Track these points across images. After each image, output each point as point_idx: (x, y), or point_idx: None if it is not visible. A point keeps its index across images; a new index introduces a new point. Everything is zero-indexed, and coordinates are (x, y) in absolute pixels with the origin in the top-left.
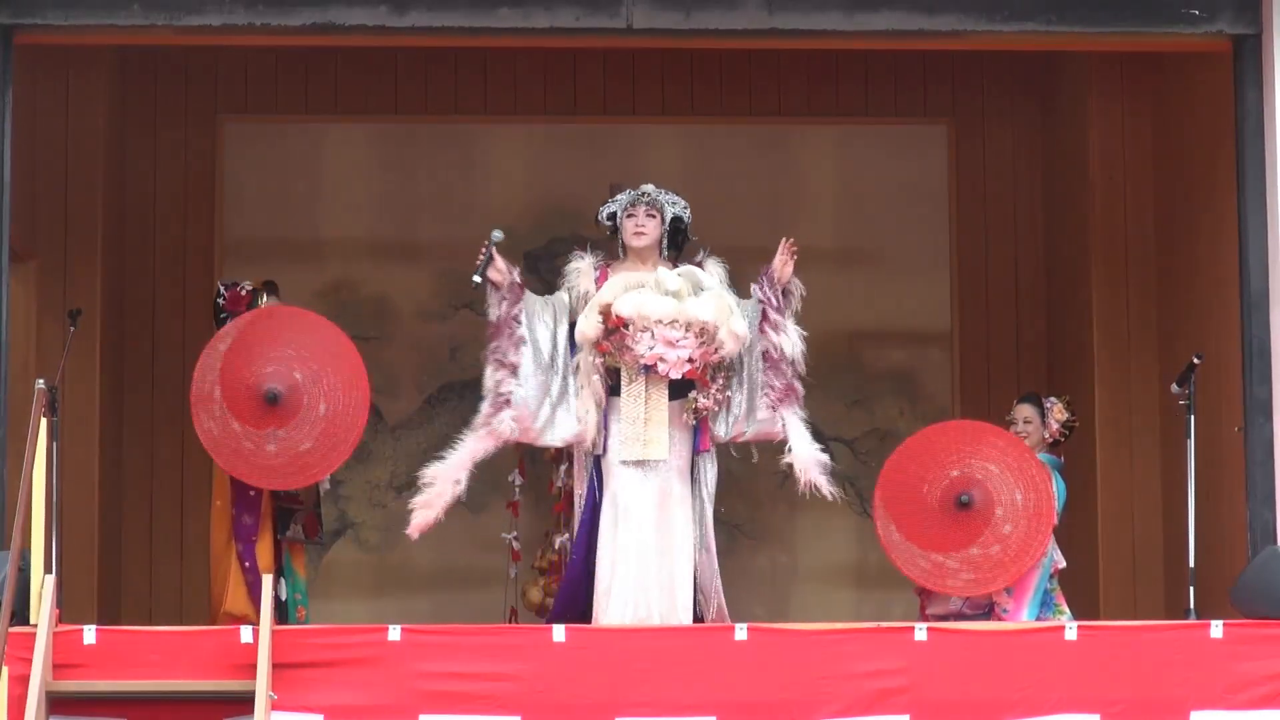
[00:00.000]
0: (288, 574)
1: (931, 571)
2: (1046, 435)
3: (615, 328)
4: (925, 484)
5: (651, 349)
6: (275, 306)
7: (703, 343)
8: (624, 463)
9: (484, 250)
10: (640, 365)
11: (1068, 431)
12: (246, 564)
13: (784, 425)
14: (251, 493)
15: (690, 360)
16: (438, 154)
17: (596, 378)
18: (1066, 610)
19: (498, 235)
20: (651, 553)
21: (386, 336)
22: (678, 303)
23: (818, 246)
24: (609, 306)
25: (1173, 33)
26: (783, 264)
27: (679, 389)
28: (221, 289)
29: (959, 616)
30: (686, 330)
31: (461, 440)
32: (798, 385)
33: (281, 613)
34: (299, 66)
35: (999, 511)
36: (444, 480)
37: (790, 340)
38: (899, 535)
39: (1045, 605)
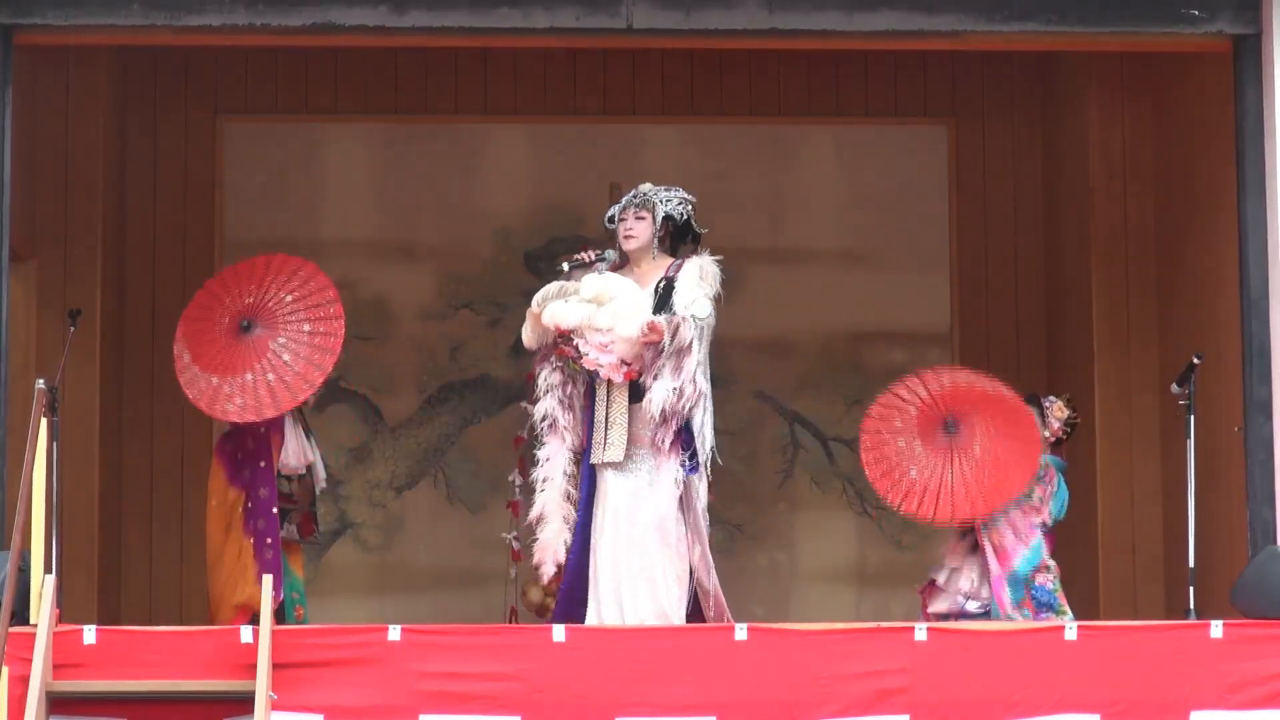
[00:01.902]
0: (285, 574)
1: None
2: (1048, 435)
3: (567, 334)
4: None
5: (587, 354)
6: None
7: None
8: (595, 465)
9: (586, 256)
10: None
11: (1069, 429)
12: (269, 539)
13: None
14: (262, 464)
15: (625, 363)
16: (438, 154)
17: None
18: (1069, 611)
19: (611, 255)
20: (624, 551)
21: (386, 336)
22: (589, 309)
23: (818, 246)
24: (537, 316)
25: (1173, 33)
26: (644, 336)
27: (643, 392)
28: None
29: (961, 614)
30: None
31: (547, 471)
32: (659, 438)
33: (279, 613)
34: (299, 66)
35: None
36: (552, 509)
37: (653, 403)
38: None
39: (1049, 607)
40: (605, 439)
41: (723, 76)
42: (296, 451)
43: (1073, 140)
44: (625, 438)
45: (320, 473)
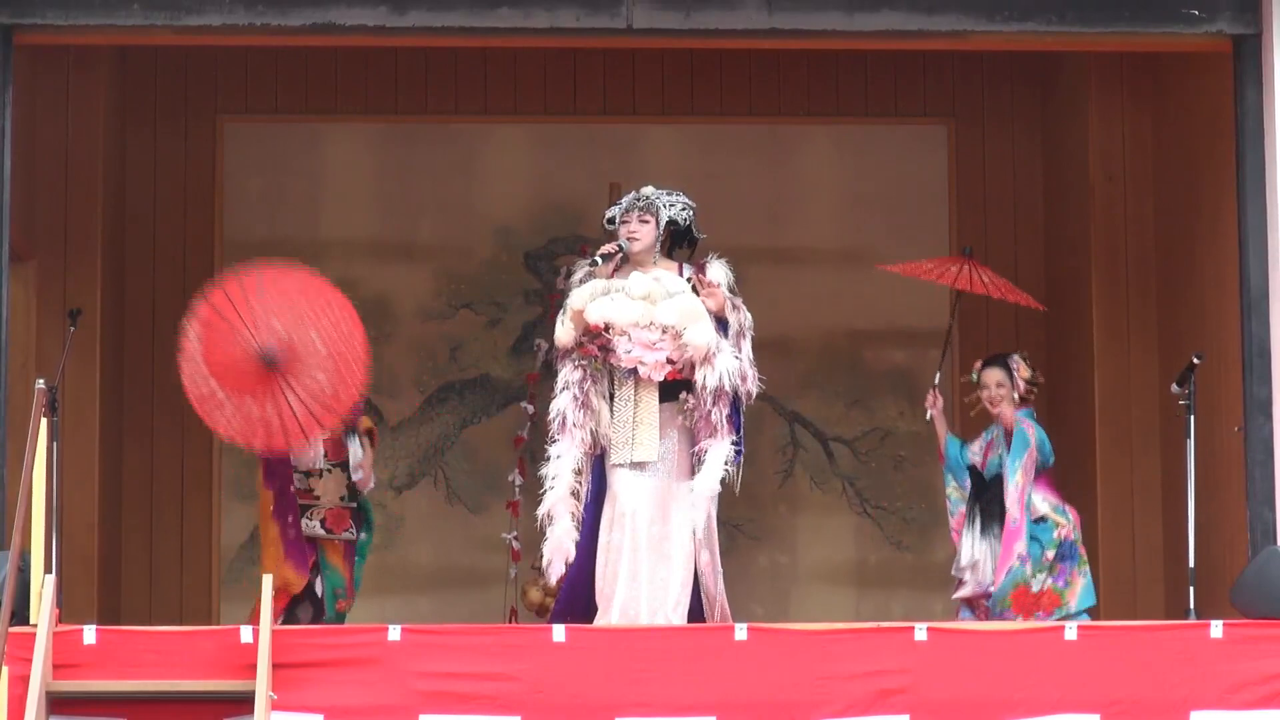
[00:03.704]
0: (324, 568)
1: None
2: (1016, 396)
3: (596, 332)
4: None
5: (629, 352)
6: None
7: (679, 345)
8: (617, 465)
9: (612, 248)
10: (625, 369)
11: (1034, 389)
12: (291, 531)
13: (704, 453)
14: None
15: (670, 361)
16: (438, 154)
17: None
18: (1086, 561)
19: (627, 246)
20: (644, 552)
21: (386, 336)
22: (646, 307)
23: (818, 246)
24: (580, 313)
25: (1173, 33)
26: (706, 297)
27: (673, 391)
28: None
29: (986, 595)
30: (663, 333)
31: (556, 469)
32: (715, 417)
33: (318, 608)
34: (299, 66)
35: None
36: (561, 506)
37: (715, 372)
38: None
39: (1070, 558)
40: (633, 438)
41: (723, 76)
42: (316, 444)
43: (1073, 140)
44: (657, 437)
45: (358, 474)
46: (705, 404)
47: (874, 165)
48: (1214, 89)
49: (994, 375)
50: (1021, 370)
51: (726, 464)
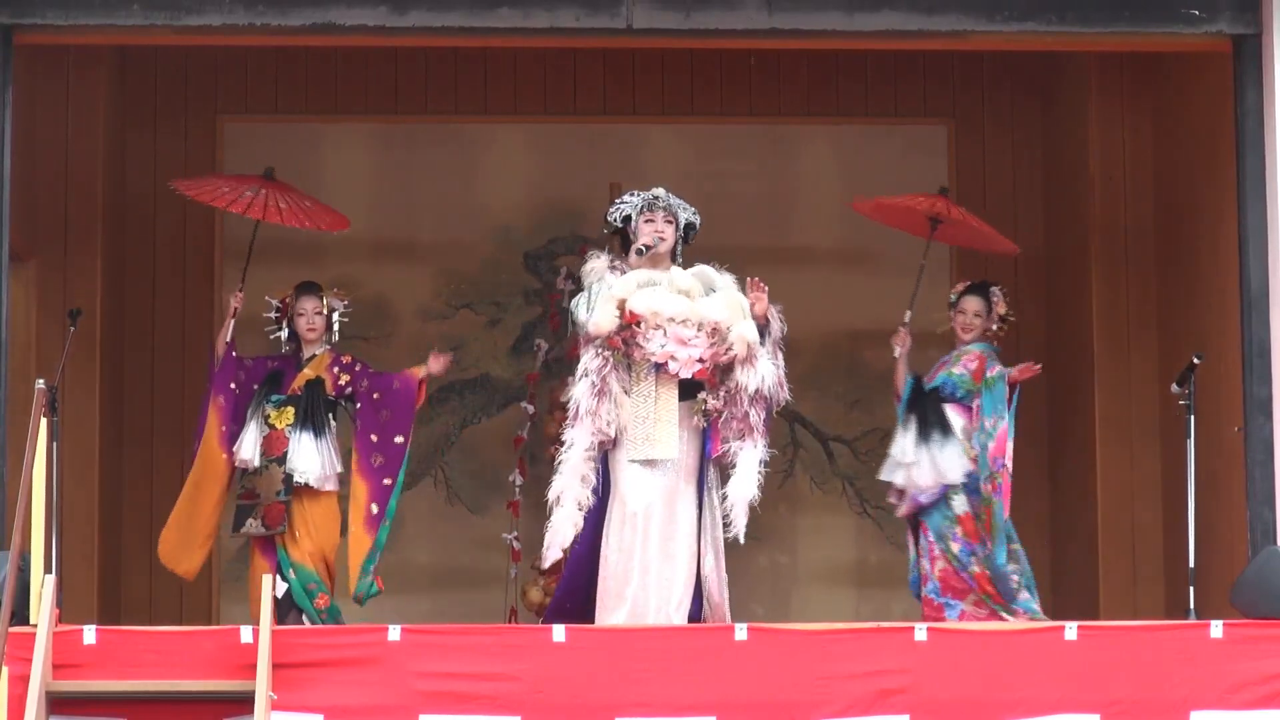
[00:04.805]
0: (286, 568)
1: None
2: (989, 328)
3: (629, 324)
4: None
5: (663, 347)
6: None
7: (714, 343)
8: (632, 461)
9: (650, 242)
10: (651, 363)
11: (1004, 325)
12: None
13: (735, 456)
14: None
15: (701, 360)
16: (438, 154)
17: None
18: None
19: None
20: (654, 551)
21: (386, 336)
22: (690, 302)
23: (818, 246)
24: (624, 302)
25: (1173, 33)
26: (754, 301)
27: (688, 390)
28: (275, 303)
29: (917, 507)
30: (699, 330)
31: (566, 455)
32: (754, 419)
33: (289, 602)
34: (299, 66)
35: None
36: (569, 495)
37: (756, 375)
38: None
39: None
40: (652, 435)
41: (723, 76)
42: (249, 445)
43: (1073, 140)
44: (676, 434)
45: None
46: (743, 404)
47: (874, 165)
48: (1214, 89)
49: (974, 304)
50: (1000, 304)
51: (760, 470)
